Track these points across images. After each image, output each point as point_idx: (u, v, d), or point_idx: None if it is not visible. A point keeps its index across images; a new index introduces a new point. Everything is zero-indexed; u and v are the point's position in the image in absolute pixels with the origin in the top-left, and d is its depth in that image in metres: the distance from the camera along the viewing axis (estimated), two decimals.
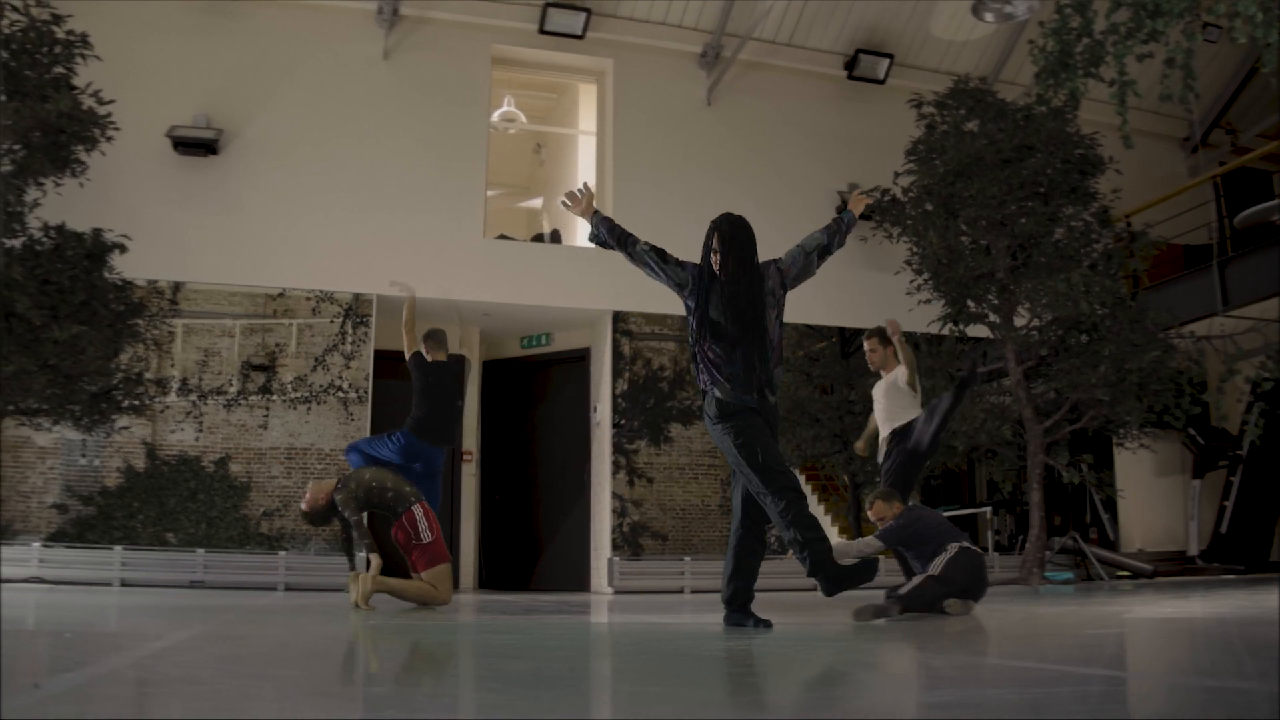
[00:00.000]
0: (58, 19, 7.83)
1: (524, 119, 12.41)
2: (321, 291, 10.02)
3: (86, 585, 7.42)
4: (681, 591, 10.12)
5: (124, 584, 8.30)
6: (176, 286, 9.73)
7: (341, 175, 10.19)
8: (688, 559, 10.40)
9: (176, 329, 9.72)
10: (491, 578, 11.38)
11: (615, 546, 10.37)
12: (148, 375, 9.41)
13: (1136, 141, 10.05)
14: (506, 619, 5.44)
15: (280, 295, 9.98)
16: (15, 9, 7.77)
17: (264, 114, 10.13)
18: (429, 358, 7.20)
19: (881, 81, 11.82)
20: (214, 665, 2.96)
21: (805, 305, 11.29)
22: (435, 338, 7.31)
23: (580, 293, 10.78)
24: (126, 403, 8.92)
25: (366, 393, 9.93)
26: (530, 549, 11.61)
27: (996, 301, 9.68)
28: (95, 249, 7.94)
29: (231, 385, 9.74)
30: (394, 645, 3.86)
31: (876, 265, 11.00)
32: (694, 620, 4.25)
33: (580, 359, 11.58)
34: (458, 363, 7.40)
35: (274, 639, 4.09)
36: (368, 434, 9.41)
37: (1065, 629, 4.38)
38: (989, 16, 8.71)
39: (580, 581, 10.87)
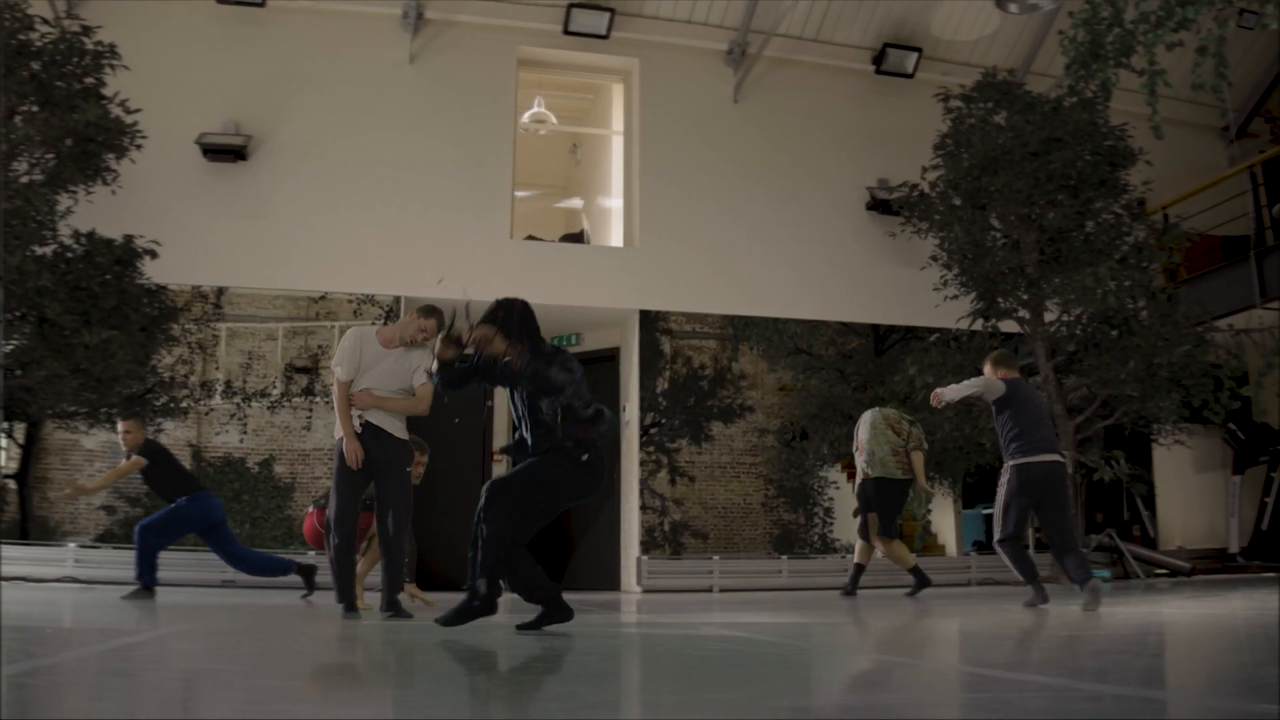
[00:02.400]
0: (87, 30, 8.00)
1: (554, 120, 12.44)
2: (363, 294, 10.11)
3: (118, 585, 7.56)
4: (710, 590, 10.10)
5: (156, 584, 8.45)
6: (220, 291, 9.88)
7: (369, 179, 10.28)
8: (716, 558, 10.38)
9: (220, 332, 9.86)
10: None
11: (656, 544, 10.38)
12: (192, 378, 9.59)
13: (1175, 131, 9.89)
14: (500, 618, 5.45)
15: (322, 298, 10.07)
16: (46, 21, 7.95)
17: (292, 119, 10.25)
18: None
19: (910, 76, 11.71)
20: (151, 661, 3.02)
21: (837, 303, 11.28)
22: None
23: (608, 292, 10.80)
24: (160, 404, 9.10)
25: None
26: (562, 548, 11.63)
27: (1025, 297, 9.56)
28: (125, 255, 8.09)
29: (275, 387, 9.86)
30: (341, 647, 3.88)
31: (906, 261, 10.90)
32: (676, 620, 4.23)
33: (610, 358, 11.58)
34: None
35: (238, 638, 4.14)
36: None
37: (1042, 631, 4.32)
38: (1013, 8, 8.59)
39: (611, 580, 10.88)
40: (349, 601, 5.48)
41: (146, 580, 7.14)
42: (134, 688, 2.44)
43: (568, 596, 4.37)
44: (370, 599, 6.01)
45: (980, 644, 3.90)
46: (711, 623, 4.77)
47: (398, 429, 5.62)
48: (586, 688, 2.56)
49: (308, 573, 7.55)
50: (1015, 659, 3.27)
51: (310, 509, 7.12)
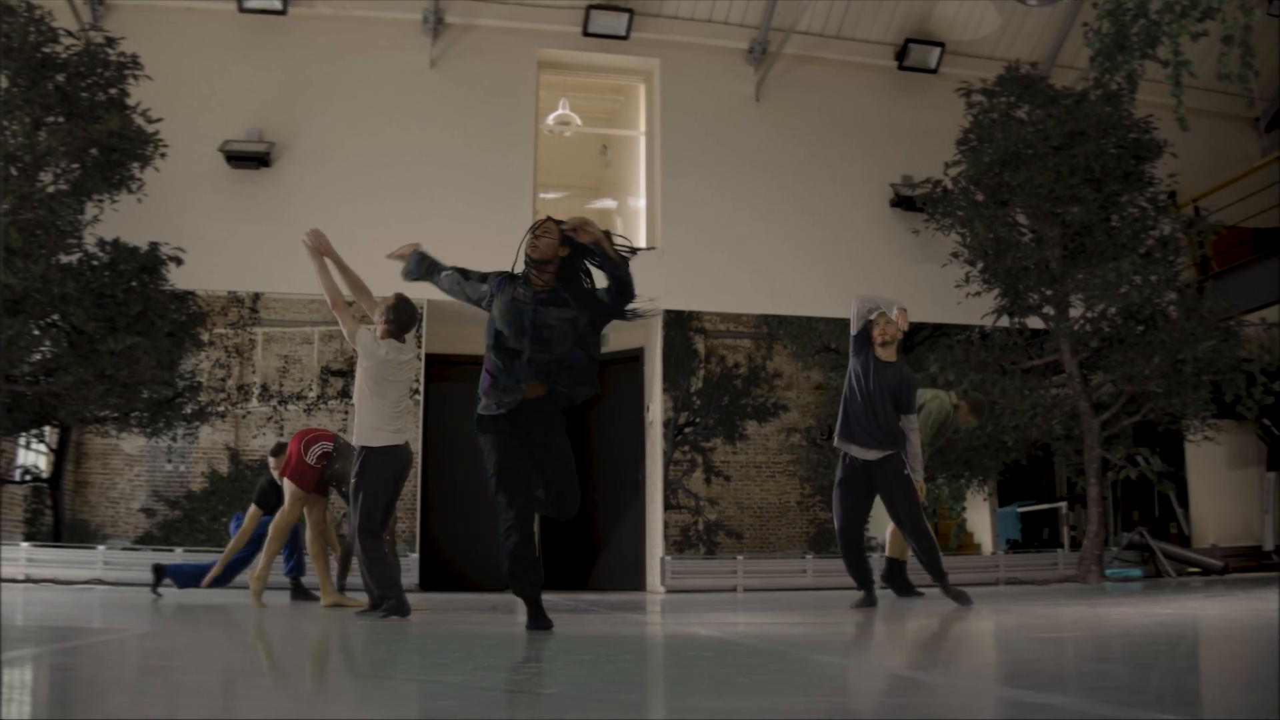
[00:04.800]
0: (111, 42, 8.14)
1: (578, 121, 12.45)
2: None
3: (144, 586, 7.71)
4: (734, 590, 10.08)
5: (180, 586, 8.58)
6: (256, 296, 10.01)
7: (391, 183, 10.37)
8: (740, 558, 10.36)
9: (257, 337, 10.00)
10: (550, 577, 11.37)
11: (690, 544, 10.37)
12: (229, 382, 9.73)
13: (1206, 123, 9.71)
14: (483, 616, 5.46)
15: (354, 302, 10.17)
16: (70, 34, 8.10)
17: (314, 126, 10.37)
18: None
19: (933, 71, 11.61)
20: (100, 658, 3.07)
21: None
22: None
23: None
24: (188, 409, 9.23)
25: (419, 396, 10.05)
26: (587, 548, 11.66)
27: (1049, 292, 9.45)
28: (149, 262, 8.22)
29: (311, 390, 9.97)
30: (290, 648, 3.90)
31: (931, 258, 10.79)
32: (667, 620, 4.21)
33: (634, 359, 11.60)
34: None
35: (200, 636, 4.19)
36: (419, 438, 9.62)
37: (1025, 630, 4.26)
38: (1031, 0, 8.51)
39: (637, 580, 10.88)
40: (374, 599, 5.59)
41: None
42: (68, 684, 2.49)
43: (592, 597, 4.39)
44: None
45: (976, 647, 3.87)
46: (702, 622, 4.75)
47: (367, 438, 5.78)
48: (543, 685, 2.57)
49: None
50: (1010, 663, 3.23)
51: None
